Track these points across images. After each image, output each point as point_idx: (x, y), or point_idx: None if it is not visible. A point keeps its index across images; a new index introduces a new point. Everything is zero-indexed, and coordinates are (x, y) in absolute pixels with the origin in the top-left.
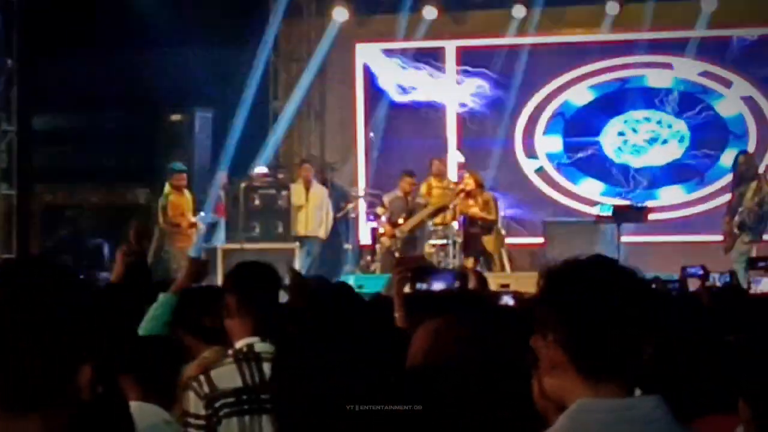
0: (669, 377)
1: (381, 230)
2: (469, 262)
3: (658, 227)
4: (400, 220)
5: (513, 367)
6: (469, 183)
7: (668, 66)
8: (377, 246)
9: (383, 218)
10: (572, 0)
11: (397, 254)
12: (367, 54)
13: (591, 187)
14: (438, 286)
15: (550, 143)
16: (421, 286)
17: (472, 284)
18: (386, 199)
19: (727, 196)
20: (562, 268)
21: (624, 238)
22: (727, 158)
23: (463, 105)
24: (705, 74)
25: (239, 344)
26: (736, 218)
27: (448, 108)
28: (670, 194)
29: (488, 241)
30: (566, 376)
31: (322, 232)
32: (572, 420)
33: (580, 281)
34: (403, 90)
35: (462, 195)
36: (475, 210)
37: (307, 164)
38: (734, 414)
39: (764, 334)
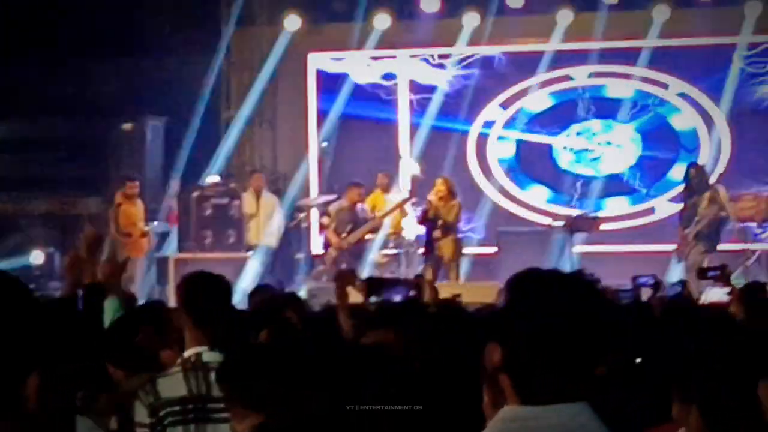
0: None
1: (328, 241)
2: (429, 273)
3: (609, 237)
4: (345, 233)
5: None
6: (442, 189)
7: (625, 76)
8: (326, 256)
9: (330, 228)
10: (525, 10)
11: (343, 265)
12: (320, 63)
13: (538, 194)
14: (392, 297)
15: (503, 149)
16: (375, 298)
17: (427, 295)
18: (332, 209)
19: (672, 209)
20: (527, 282)
21: (577, 248)
22: (676, 172)
23: (416, 113)
24: (652, 82)
25: (188, 353)
26: (692, 228)
27: (400, 117)
28: (616, 205)
29: (446, 246)
30: (506, 379)
31: (274, 241)
32: (496, 428)
33: (542, 300)
34: (356, 99)
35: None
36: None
37: (258, 173)
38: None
39: (714, 344)
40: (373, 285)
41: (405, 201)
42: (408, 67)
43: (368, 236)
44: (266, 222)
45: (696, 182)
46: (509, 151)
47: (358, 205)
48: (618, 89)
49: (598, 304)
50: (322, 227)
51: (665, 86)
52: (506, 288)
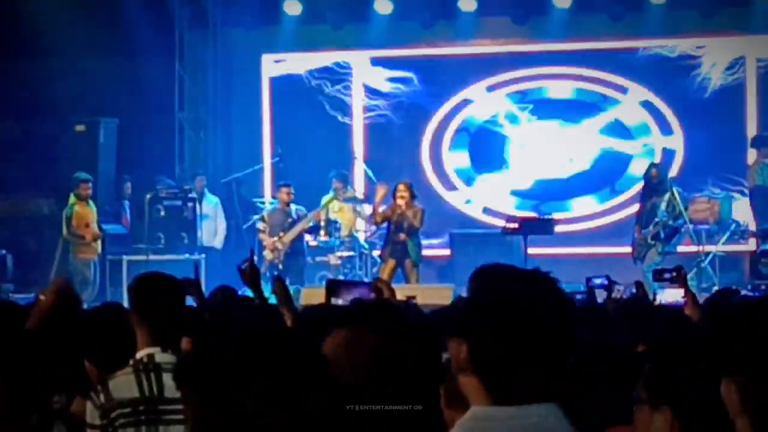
0: (577, 389)
1: (264, 244)
2: (385, 274)
3: (565, 239)
4: (279, 234)
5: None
6: (405, 195)
7: (569, 77)
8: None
9: (265, 233)
10: (482, 12)
11: (280, 266)
12: (273, 64)
13: (492, 196)
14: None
15: (457, 159)
16: (336, 300)
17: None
18: (266, 213)
19: (628, 210)
20: (493, 276)
21: (531, 250)
22: (636, 167)
23: (370, 117)
24: (604, 83)
25: (140, 354)
26: (651, 229)
27: (354, 120)
28: (583, 204)
29: (412, 249)
30: (473, 378)
31: (217, 242)
32: (465, 429)
33: (509, 294)
34: (310, 100)
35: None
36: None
37: (199, 177)
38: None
39: (672, 343)
40: (334, 287)
41: (332, 200)
42: (361, 69)
43: (325, 239)
44: (208, 224)
45: (656, 182)
46: (463, 152)
47: (292, 206)
48: (559, 91)
49: (563, 300)
50: (258, 231)
51: (609, 85)
52: (470, 282)
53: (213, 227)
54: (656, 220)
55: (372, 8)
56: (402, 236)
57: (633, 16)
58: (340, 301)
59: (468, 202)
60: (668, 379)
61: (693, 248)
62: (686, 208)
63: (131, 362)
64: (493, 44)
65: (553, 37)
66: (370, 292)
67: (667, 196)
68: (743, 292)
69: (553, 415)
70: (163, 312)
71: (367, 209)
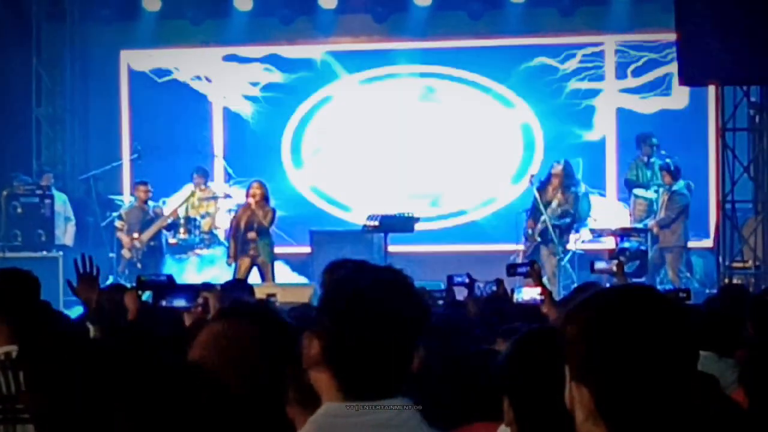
0: (434, 385)
1: (122, 242)
2: (241, 270)
3: (428, 236)
4: (136, 233)
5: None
6: (257, 194)
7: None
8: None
9: (123, 231)
10: (342, 9)
11: (139, 265)
12: (133, 60)
13: (353, 193)
14: (179, 303)
15: (318, 147)
16: (162, 302)
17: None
18: (123, 211)
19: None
20: (345, 271)
21: (391, 248)
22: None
23: (230, 114)
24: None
25: None
26: (539, 226)
27: (214, 117)
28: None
29: (262, 248)
30: (325, 373)
31: (68, 240)
32: (318, 425)
33: (362, 289)
34: (170, 96)
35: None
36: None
37: (45, 173)
38: (500, 421)
39: (525, 340)
40: (161, 291)
41: (191, 196)
42: (220, 65)
43: (184, 236)
44: (58, 222)
45: (560, 179)
46: (323, 149)
47: (150, 204)
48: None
49: (412, 295)
50: (115, 230)
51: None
52: (324, 276)
53: (62, 225)
54: (542, 217)
55: (232, 5)
56: (252, 235)
57: (492, 14)
58: (163, 303)
59: (327, 198)
60: (510, 374)
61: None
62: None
63: None
64: (354, 41)
65: (412, 35)
66: (195, 297)
67: (559, 194)
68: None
69: (406, 410)
70: (20, 308)
71: (227, 204)
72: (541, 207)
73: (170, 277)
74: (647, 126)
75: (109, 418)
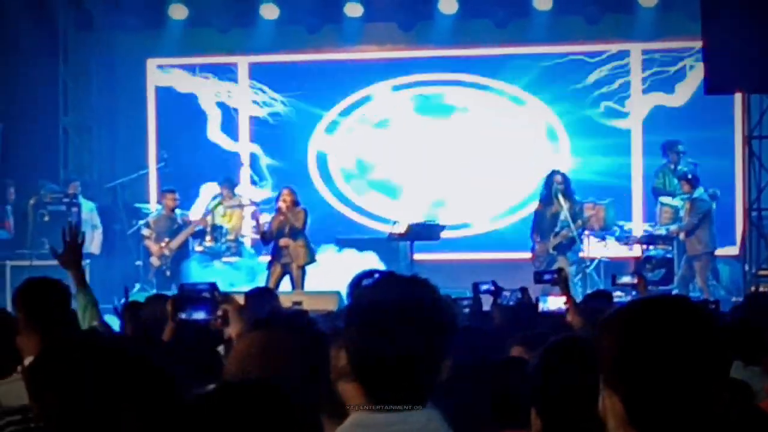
0: (462, 394)
1: (150, 250)
2: (273, 278)
3: (454, 244)
4: (165, 241)
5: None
6: (288, 199)
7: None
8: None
9: (150, 239)
10: (369, 17)
11: (168, 273)
12: (160, 69)
13: (378, 201)
14: (198, 315)
15: (343, 155)
16: (182, 315)
17: (233, 326)
18: (151, 219)
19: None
20: (370, 281)
21: (417, 256)
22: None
23: (256, 122)
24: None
25: (28, 361)
26: (552, 239)
27: (240, 125)
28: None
29: (295, 251)
30: (352, 384)
31: (95, 248)
32: None
33: (384, 302)
34: (198, 106)
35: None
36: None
37: (72, 182)
38: (527, 429)
39: (553, 350)
40: (181, 303)
41: (218, 205)
42: (247, 73)
43: (210, 244)
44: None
45: (562, 189)
46: (349, 157)
47: (177, 211)
48: (456, 97)
49: (440, 304)
50: (143, 238)
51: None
52: (349, 288)
53: (89, 233)
54: (556, 229)
55: (258, 13)
56: (284, 241)
57: (518, 22)
58: (183, 315)
59: (353, 205)
60: (538, 384)
61: (580, 254)
62: (586, 217)
63: (19, 369)
64: (380, 50)
65: (438, 43)
66: (214, 309)
67: (567, 205)
68: (628, 298)
69: (434, 421)
70: (51, 317)
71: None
72: (568, 217)
73: (213, 285)
74: (674, 133)
75: (118, 419)
